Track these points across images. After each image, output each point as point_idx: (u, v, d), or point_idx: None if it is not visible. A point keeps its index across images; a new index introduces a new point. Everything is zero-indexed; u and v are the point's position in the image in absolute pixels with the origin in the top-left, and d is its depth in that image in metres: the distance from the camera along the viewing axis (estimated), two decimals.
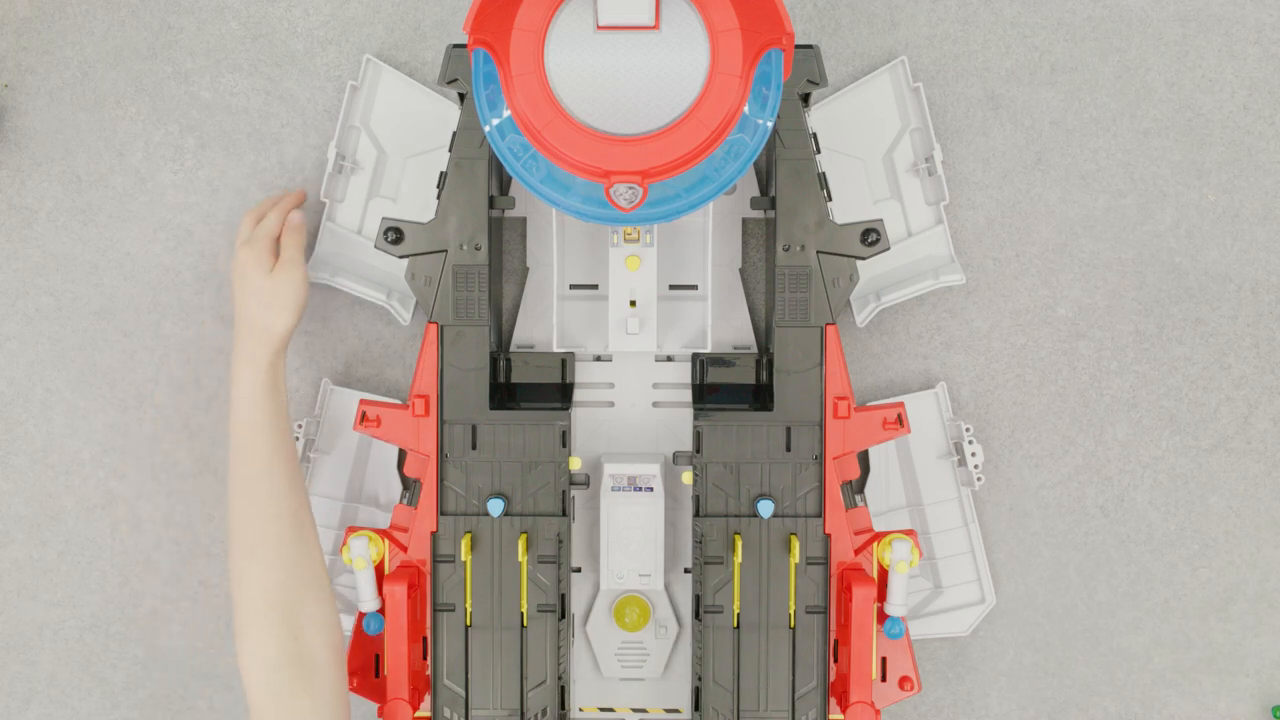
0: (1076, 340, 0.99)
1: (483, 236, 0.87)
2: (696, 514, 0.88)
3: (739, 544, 0.86)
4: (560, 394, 0.92)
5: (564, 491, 0.87)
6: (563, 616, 0.88)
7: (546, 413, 0.88)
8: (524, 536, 0.87)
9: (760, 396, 0.91)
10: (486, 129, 0.76)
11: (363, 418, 0.88)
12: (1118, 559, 1.00)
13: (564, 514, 0.87)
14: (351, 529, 0.88)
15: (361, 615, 0.87)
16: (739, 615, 0.88)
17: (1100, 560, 1.00)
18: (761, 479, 0.88)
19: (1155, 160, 0.99)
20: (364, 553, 0.86)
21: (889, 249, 0.89)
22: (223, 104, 0.99)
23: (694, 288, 0.94)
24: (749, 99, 0.74)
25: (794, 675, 0.88)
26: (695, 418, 0.88)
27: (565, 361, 0.92)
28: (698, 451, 0.87)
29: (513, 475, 0.88)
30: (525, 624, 0.88)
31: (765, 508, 0.86)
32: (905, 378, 0.99)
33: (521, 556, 0.87)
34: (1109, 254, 0.99)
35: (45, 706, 1.01)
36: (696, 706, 0.88)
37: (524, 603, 0.88)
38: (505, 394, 0.92)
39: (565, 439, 0.87)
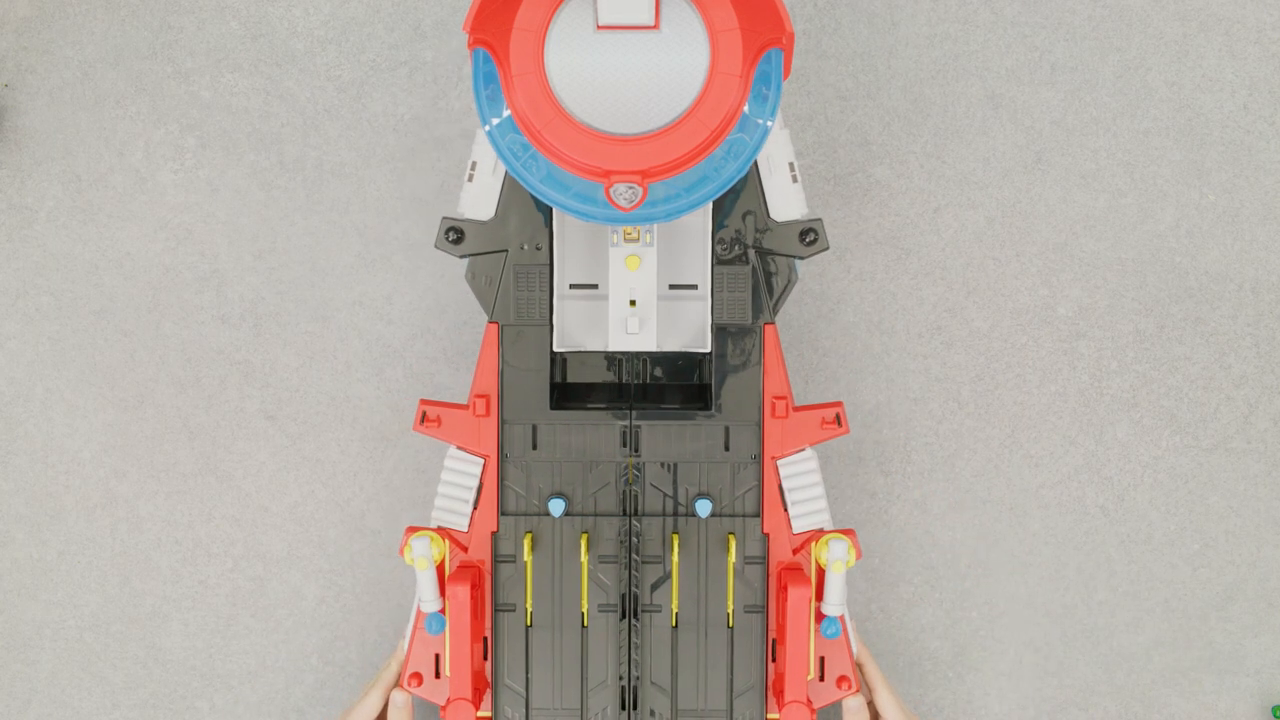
0: (1076, 340, 0.99)
1: (543, 236, 0.87)
2: (634, 513, 0.88)
3: (676, 543, 0.87)
4: (616, 393, 0.91)
5: (624, 492, 0.88)
6: (623, 616, 0.88)
7: (607, 412, 0.88)
8: (585, 536, 0.87)
9: (701, 396, 0.91)
10: (486, 129, 0.75)
11: (423, 418, 0.88)
12: (1118, 559, 1.00)
13: (625, 514, 0.88)
14: (412, 529, 0.87)
15: (423, 615, 0.87)
16: (677, 614, 0.88)
17: (1100, 560, 1.00)
18: (700, 478, 0.88)
19: (1155, 160, 0.99)
20: (425, 553, 0.85)
21: (828, 248, 0.89)
22: (223, 104, 0.99)
23: (694, 287, 0.94)
24: (749, 98, 0.74)
25: (732, 674, 0.88)
26: (634, 417, 0.88)
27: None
28: (635, 451, 0.87)
29: (573, 475, 0.88)
30: (586, 624, 0.88)
31: (703, 507, 0.86)
32: (905, 377, 0.99)
33: (583, 556, 0.87)
34: (1109, 254, 0.99)
35: (45, 706, 1.01)
36: (634, 705, 0.88)
37: (584, 602, 0.88)
38: (561, 394, 0.92)
39: (626, 439, 0.87)
